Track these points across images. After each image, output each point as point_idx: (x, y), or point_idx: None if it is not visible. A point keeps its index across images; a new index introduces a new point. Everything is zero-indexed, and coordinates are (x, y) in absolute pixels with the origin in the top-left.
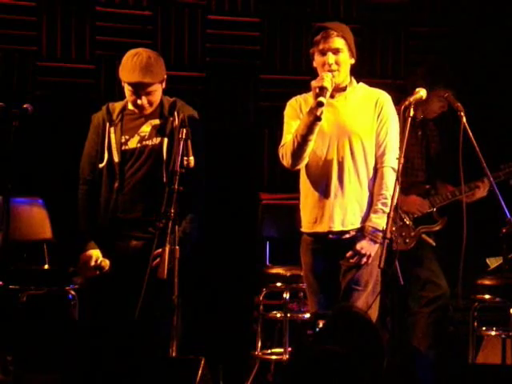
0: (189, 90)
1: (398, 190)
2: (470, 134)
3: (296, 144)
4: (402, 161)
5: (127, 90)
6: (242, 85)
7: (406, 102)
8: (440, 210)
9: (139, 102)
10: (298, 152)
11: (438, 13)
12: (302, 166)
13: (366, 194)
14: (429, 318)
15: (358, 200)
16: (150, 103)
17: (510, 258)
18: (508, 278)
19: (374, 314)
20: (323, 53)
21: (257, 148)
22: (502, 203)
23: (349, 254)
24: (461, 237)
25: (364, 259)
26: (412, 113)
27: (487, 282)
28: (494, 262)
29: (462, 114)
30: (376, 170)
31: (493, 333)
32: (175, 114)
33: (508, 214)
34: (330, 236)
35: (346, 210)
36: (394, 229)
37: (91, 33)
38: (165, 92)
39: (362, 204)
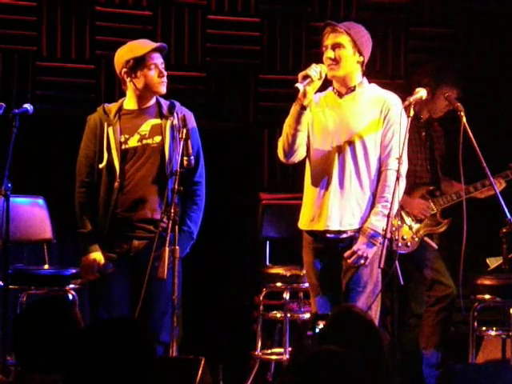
0: (189, 89)
1: (397, 190)
2: (470, 133)
3: (285, 135)
4: (402, 161)
5: (145, 68)
6: (241, 85)
7: (406, 102)
8: (445, 211)
9: (165, 73)
10: (287, 143)
11: (438, 13)
12: (296, 160)
13: (368, 195)
14: (437, 317)
15: (358, 201)
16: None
17: (509, 258)
18: (508, 278)
19: (374, 314)
20: (326, 47)
21: (257, 148)
22: (502, 203)
23: (346, 253)
24: (461, 237)
25: (361, 261)
26: (412, 113)
27: (487, 282)
28: (493, 262)
29: (462, 113)
30: (380, 172)
31: (493, 333)
32: (175, 113)
33: (508, 214)
34: (328, 235)
35: (344, 210)
36: (394, 229)
37: (91, 33)
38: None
39: (362, 205)
